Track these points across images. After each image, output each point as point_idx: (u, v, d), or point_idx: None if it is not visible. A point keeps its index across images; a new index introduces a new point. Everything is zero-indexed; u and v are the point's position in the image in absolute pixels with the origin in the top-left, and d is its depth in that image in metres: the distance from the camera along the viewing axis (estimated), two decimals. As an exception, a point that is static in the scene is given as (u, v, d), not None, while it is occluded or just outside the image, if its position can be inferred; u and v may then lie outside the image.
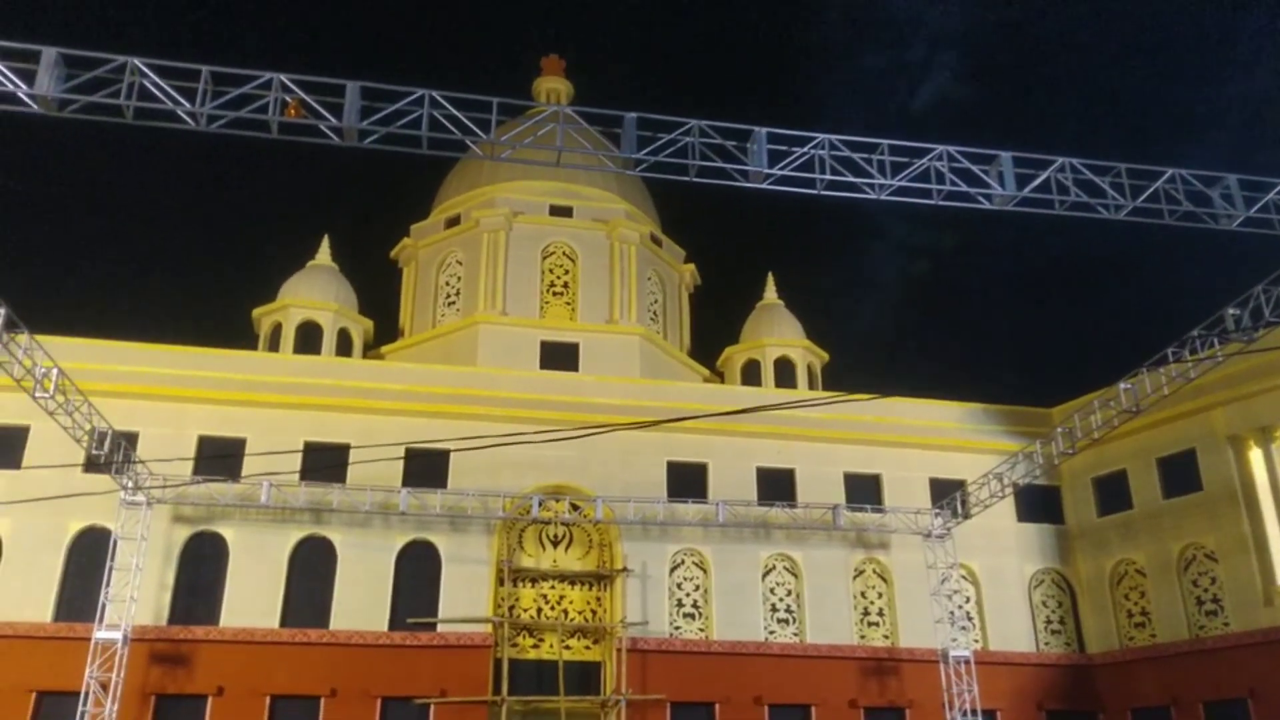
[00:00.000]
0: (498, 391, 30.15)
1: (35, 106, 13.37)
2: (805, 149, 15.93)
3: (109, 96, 13.47)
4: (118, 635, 24.01)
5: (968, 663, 27.86)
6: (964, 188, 16.53)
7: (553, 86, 44.81)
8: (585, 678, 28.41)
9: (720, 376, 39.27)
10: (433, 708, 26.48)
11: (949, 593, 28.67)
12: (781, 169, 15.83)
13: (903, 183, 16.35)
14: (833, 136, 15.99)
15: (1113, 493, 31.37)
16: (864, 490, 31.14)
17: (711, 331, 42.45)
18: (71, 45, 13.53)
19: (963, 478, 30.24)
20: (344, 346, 34.94)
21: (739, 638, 28.94)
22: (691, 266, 41.97)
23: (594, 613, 29.21)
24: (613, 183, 39.75)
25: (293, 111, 13.66)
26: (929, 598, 28.85)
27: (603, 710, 27.81)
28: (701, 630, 29.25)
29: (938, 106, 79.40)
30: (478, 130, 15.09)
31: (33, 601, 25.54)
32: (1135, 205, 16.78)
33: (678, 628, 29.13)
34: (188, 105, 13.56)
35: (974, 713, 27.23)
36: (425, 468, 28.46)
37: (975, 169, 16.62)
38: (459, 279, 37.78)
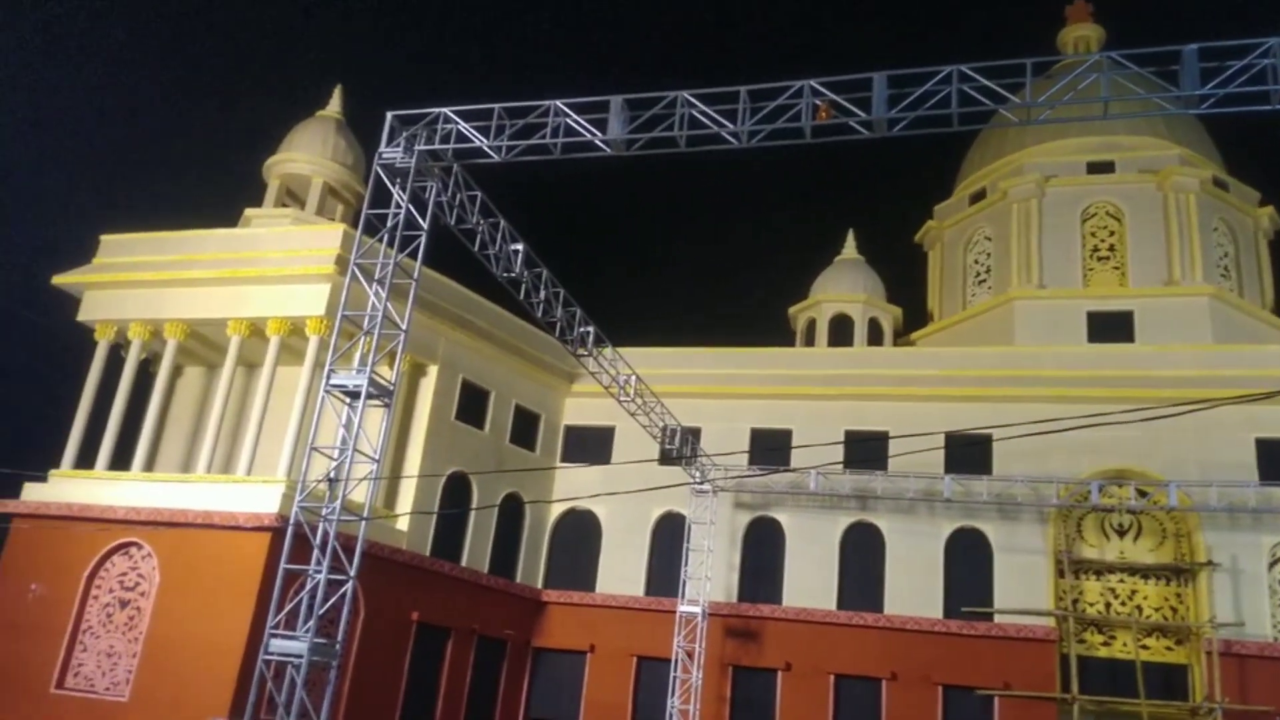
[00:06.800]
0: (1041, 370, 28.41)
1: (609, 150, 15.39)
2: None
3: (664, 130, 15.03)
4: (697, 610, 26.83)
5: None
6: None
7: (1081, 34, 41.00)
8: (1168, 681, 25.71)
9: (1320, 335, 32.91)
10: (996, 700, 25.71)
11: None
12: None
13: None
14: None
15: None
16: None
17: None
18: (628, 91, 15.28)
19: None
20: (874, 336, 35.35)
21: (1373, 649, 24.00)
22: (1269, 209, 35.76)
23: (1174, 610, 26.27)
24: (1161, 127, 35.35)
25: (824, 114, 14.08)
26: None
27: (1193, 718, 24.82)
28: (1318, 637, 24.75)
29: None
30: (1010, 96, 14.31)
31: (628, 577, 29.56)
32: None
33: (1285, 632, 24.99)
34: (730, 126, 14.64)
35: None
36: (967, 453, 27.71)
37: None
38: (988, 255, 36.30)
